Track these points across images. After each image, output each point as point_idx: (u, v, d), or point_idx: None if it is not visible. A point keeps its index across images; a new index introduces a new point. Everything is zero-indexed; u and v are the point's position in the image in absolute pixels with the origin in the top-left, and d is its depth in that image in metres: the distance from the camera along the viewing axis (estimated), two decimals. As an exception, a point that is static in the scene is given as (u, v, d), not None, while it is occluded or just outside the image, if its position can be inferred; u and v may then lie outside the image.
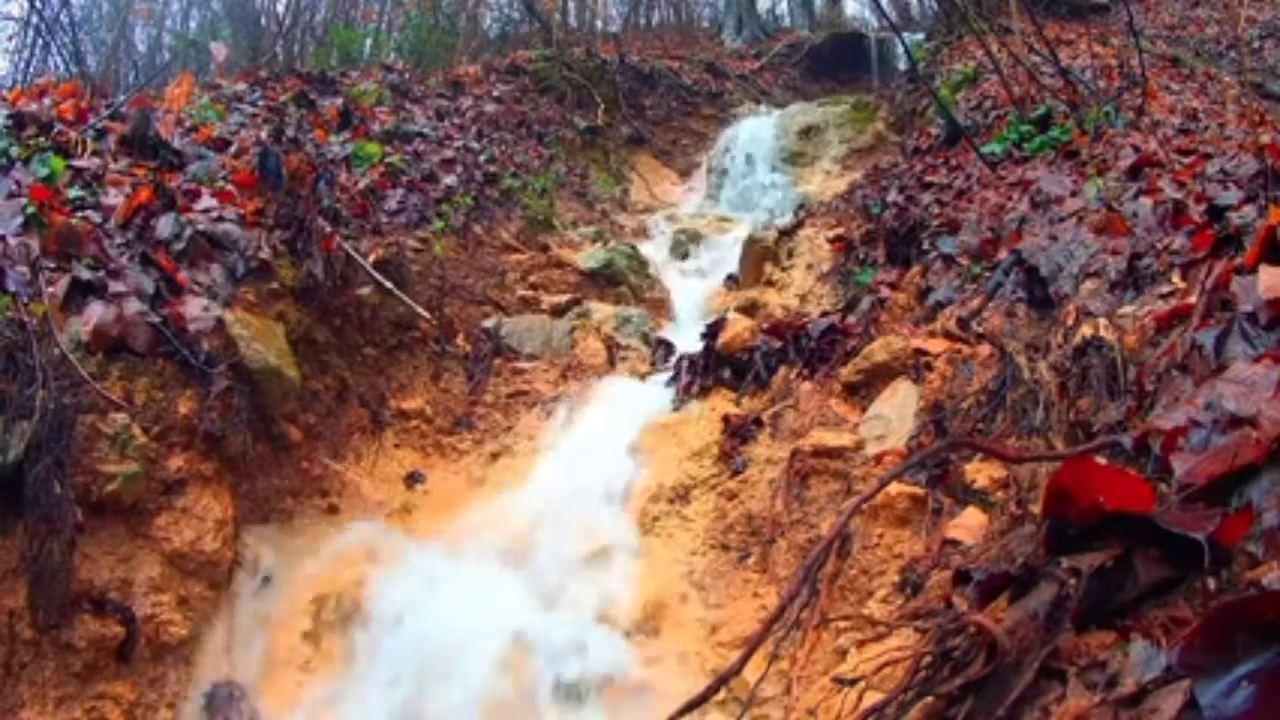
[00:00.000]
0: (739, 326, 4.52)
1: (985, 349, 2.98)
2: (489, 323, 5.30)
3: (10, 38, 9.26)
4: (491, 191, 7.09)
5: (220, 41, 8.49)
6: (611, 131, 11.35)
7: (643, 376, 5.02)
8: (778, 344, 4.25)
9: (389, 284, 4.49)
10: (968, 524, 2.41)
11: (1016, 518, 2.24)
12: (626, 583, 3.33)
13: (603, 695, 2.93)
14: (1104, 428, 1.96)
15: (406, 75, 9.36)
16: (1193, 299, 1.97)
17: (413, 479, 4.17)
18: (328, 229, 4.27)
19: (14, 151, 3.66)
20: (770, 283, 6.80)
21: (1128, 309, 2.33)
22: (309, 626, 3.18)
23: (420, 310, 4.69)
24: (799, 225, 7.37)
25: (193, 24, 13.41)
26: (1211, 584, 1.17)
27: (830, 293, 5.97)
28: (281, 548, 3.40)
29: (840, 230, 6.68)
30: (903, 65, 11.67)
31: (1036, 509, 1.92)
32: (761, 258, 7.04)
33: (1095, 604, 1.22)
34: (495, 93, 10.28)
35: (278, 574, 3.28)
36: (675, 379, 4.70)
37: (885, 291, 4.47)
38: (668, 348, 5.36)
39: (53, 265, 3.00)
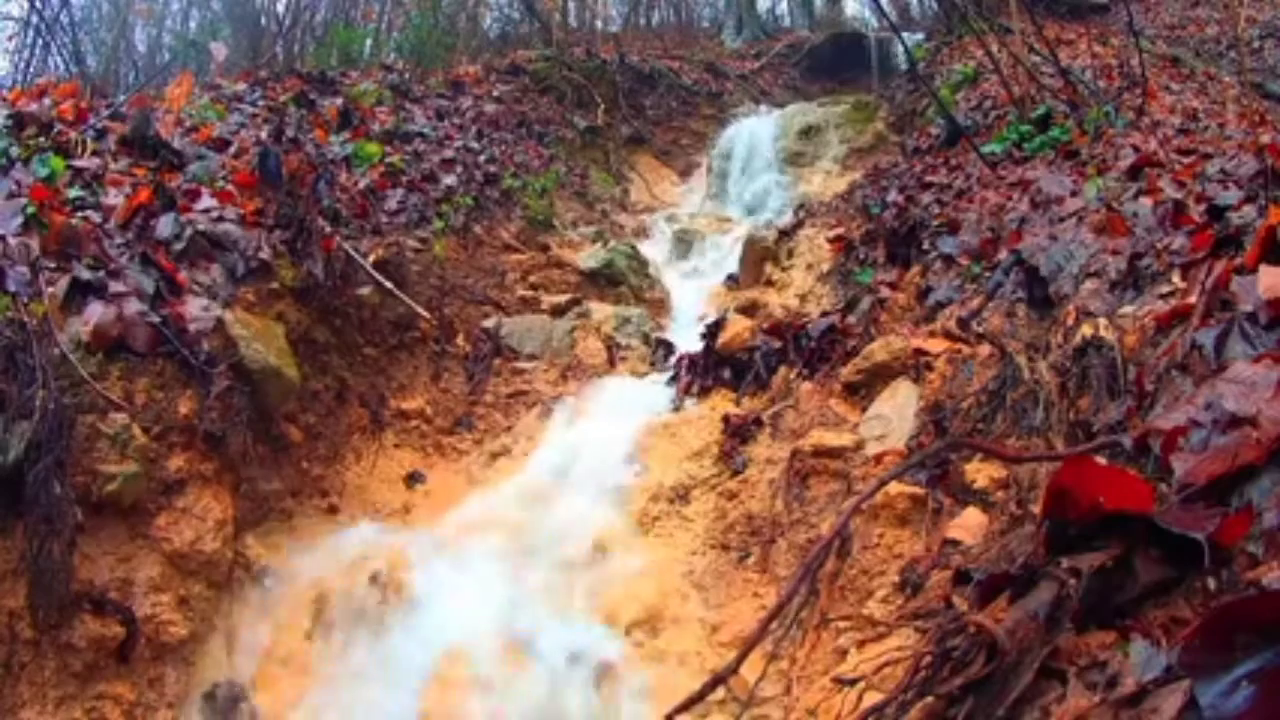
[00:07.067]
0: (739, 326, 4.52)
1: (985, 349, 2.98)
2: (489, 323, 5.30)
3: (10, 38, 9.27)
4: (491, 191, 7.09)
5: (220, 41, 8.47)
6: (611, 131, 11.35)
7: (643, 376, 5.02)
8: (778, 344, 4.25)
9: (389, 284, 4.49)
10: (968, 524, 2.41)
11: (1016, 518, 2.23)
12: (626, 583, 3.33)
13: (602, 695, 2.93)
14: (1104, 428, 1.96)
15: (406, 75, 9.35)
16: (1193, 299, 1.97)
17: (413, 479, 4.17)
18: (328, 229, 4.27)
19: (14, 151, 3.65)
20: (770, 283, 6.81)
21: (1128, 309, 2.33)
22: (309, 626, 3.18)
23: (420, 310, 4.69)
24: (799, 225, 7.38)
25: (193, 24, 13.39)
26: (1211, 584, 1.17)
27: (830, 293, 5.97)
28: (281, 548, 3.40)
29: (840, 230, 6.68)
30: (903, 65, 11.67)
31: (1036, 509, 1.91)
32: (761, 258, 7.05)
33: (1095, 604, 1.22)
34: (495, 93, 10.27)
35: (278, 574, 3.28)
36: (675, 379, 4.71)
37: (885, 291, 4.47)
38: (668, 348, 5.36)
39: (53, 265, 3.00)
